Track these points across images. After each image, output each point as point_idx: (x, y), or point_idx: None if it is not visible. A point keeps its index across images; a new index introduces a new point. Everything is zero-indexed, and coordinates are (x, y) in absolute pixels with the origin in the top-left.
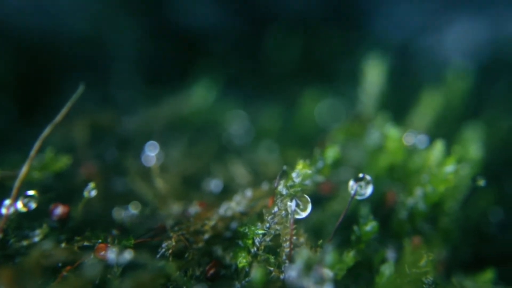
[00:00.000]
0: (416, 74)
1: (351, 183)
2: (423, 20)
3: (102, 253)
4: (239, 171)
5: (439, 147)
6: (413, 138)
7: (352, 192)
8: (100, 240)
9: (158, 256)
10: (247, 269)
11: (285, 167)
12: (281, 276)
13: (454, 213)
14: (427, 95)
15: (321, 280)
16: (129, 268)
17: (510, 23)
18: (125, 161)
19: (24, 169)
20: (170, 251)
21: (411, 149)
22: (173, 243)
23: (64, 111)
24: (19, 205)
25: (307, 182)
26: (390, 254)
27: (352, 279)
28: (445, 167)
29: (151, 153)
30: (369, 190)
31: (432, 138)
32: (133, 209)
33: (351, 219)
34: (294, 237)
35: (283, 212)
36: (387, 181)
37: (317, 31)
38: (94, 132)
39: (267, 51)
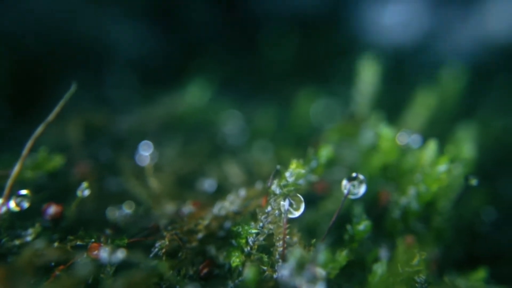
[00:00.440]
0: (410, 74)
1: (344, 182)
2: (417, 21)
3: (95, 252)
4: (233, 171)
5: (432, 146)
6: (406, 137)
7: (345, 191)
8: (93, 240)
9: (151, 255)
10: (240, 269)
11: (278, 167)
12: (274, 275)
13: (447, 212)
14: (421, 95)
15: (313, 279)
16: (122, 267)
17: (503, 22)
18: (119, 161)
19: (16, 168)
20: (164, 250)
21: (405, 148)
22: (167, 243)
23: (56, 110)
24: (12, 204)
25: (301, 181)
26: (383, 253)
27: (345, 278)
28: (438, 167)
29: (145, 152)
30: (362, 189)
31: (426, 137)
32: (127, 209)
33: (345, 218)
34: (288, 237)
35: (277, 211)
36: (381, 180)
37: (313, 31)
38: (88, 132)
39: (262, 51)
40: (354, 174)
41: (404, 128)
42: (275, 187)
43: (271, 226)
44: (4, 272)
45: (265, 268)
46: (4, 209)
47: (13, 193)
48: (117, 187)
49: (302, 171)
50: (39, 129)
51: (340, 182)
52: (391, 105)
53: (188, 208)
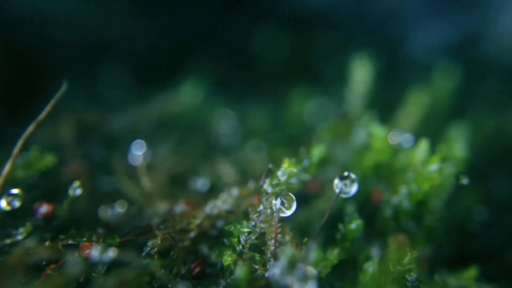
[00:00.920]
0: (403, 74)
1: (336, 181)
2: (408, 20)
3: (87, 251)
4: (226, 170)
5: (424, 146)
6: (398, 137)
7: (337, 190)
8: (84, 239)
9: (143, 254)
10: (232, 267)
11: (271, 166)
12: (266, 274)
13: (439, 212)
14: (414, 95)
15: (304, 278)
16: (114, 266)
17: (496, 22)
18: (112, 160)
19: (7, 167)
20: (156, 249)
21: (397, 148)
22: (159, 242)
23: (47, 109)
24: (3, 203)
25: (293, 180)
26: (375, 252)
27: (337, 277)
28: (430, 166)
29: (138, 152)
30: (354, 188)
31: (418, 137)
32: (119, 208)
33: (337, 217)
34: (279, 235)
35: (269, 210)
36: (373, 179)
37: (307, 31)
38: (81, 131)
39: (256, 50)
40: (346, 173)
41: (396, 128)
42: (267, 186)
43: (263, 225)
44: None
45: (257, 267)
46: None
47: (4, 192)
48: (109, 186)
49: (294, 170)
50: (30, 128)
51: (332, 181)
52: (385, 105)
53: (180, 207)
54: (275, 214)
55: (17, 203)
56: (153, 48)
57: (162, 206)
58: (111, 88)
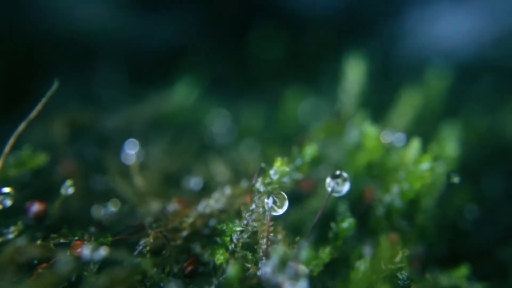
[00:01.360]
0: (397, 74)
1: (328, 180)
2: (403, 19)
3: (79, 250)
4: (220, 169)
5: (415, 145)
6: (391, 136)
7: (329, 189)
8: (76, 237)
9: (135, 253)
10: (225, 266)
11: (263, 165)
12: (258, 273)
13: (431, 210)
14: (406, 94)
15: (296, 276)
16: (106, 265)
17: (491, 21)
18: (105, 159)
19: None
20: (148, 248)
21: (389, 147)
22: (151, 240)
23: (38, 107)
24: None
25: (285, 179)
26: (367, 250)
27: (330, 275)
28: (421, 165)
29: (131, 151)
30: (346, 187)
31: (411, 136)
32: (112, 207)
33: (330, 216)
34: (272, 234)
35: (261, 209)
36: (366, 178)
37: (302, 30)
38: (74, 130)
39: (251, 50)
40: (338, 172)
41: (389, 127)
42: (259, 185)
43: (255, 224)
44: None
45: (249, 265)
46: None
47: None
48: (102, 185)
49: (287, 169)
50: (21, 127)
51: (325, 180)
52: (378, 104)
53: (173, 206)
54: (267, 213)
55: (8, 202)
56: (148, 48)
57: (154, 205)
58: (105, 88)
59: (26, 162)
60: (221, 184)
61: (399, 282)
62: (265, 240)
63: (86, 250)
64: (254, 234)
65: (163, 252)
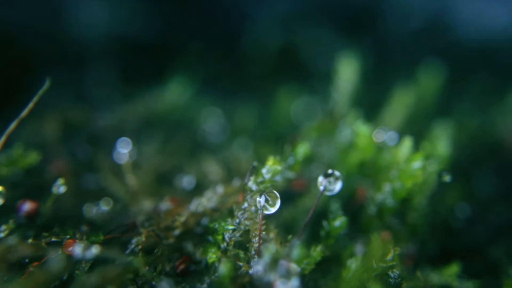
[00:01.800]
0: (390, 72)
1: (320, 179)
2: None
3: (70, 249)
4: (212, 168)
5: (407, 143)
6: (383, 135)
7: (321, 188)
8: (68, 236)
9: (127, 251)
10: (217, 265)
11: (255, 163)
12: (250, 271)
13: (422, 209)
14: (399, 93)
15: (287, 275)
16: (99, 263)
17: (486, 20)
18: (97, 158)
19: None
20: (140, 246)
21: (381, 145)
22: (143, 239)
23: (30, 106)
24: None
25: (277, 178)
26: (358, 248)
27: (322, 274)
28: (413, 163)
29: (123, 149)
30: (338, 186)
31: (403, 135)
32: (104, 206)
33: (322, 214)
34: (264, 233)
35: (253, 207)
36: (358, 177)
37: (296, 30)
38: (66, 128)
39: (244, 48)
40: (330, 171)
41: (381, 126)
42: (251, 184)
43: (247, 222)
44: None
45: (241, 264)
46: None
47: None
48: (94, 184)
49: (279, 167)
50: (12, 125)
51: (317, 179)
52: (371, 103)
53: (165, 204)
54: (259, 212)
55: (0, 201)
56: (140, 46)
57: (147, 204)
58: (97, 86)
59: (17, 161)
60: (213, 182)
61: (390, 280)
62: (257, 238)
63: (77, 249)
64: (246, 232)
65: (155, 251)
